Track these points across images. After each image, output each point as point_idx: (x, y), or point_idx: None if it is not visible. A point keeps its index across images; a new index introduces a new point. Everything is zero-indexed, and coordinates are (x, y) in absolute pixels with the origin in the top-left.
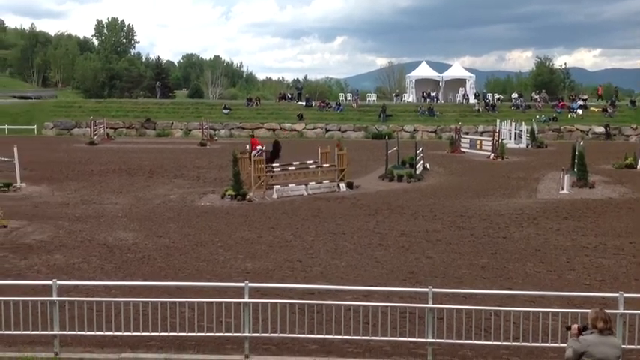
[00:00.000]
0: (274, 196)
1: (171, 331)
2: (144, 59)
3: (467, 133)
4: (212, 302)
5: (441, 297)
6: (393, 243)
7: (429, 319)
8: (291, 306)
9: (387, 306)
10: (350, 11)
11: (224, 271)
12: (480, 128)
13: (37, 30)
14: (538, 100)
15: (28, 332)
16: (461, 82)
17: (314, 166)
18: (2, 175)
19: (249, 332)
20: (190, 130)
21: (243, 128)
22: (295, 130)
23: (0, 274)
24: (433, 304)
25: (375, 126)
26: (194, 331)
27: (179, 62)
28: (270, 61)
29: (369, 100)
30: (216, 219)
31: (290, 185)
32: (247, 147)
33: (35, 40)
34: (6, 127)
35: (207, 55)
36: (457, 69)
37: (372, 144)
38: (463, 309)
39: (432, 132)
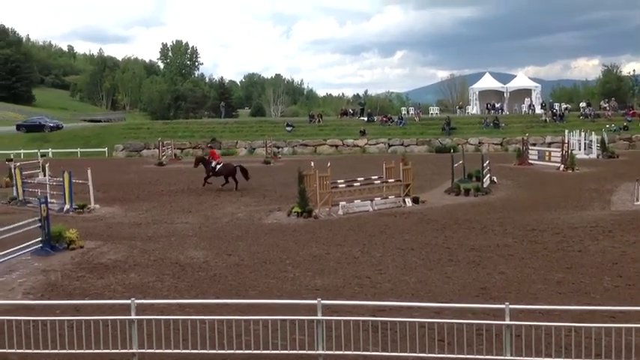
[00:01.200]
0: (340, 212)
1: (245, 349)
2: (207, 80)
3: (534, 145)
4: (285, 320)
5: (517, 313)
6: (463, 258)
7: (507, 337)
8: (363, 323)
9: (461, 323)
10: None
11: (294, 289)
12: (548, 139)
13: (105, 55)
14: (607, 108)
15: (108, 351)
16: (526, 92)
17: (379, 181)
18: (77, 196)
19: (323, 350)
20: (254, 149)
21: (307, 145)
22: (358, 146)
23: (78, 293)
24: (510, 320)
25: (439, 139)
26: (268, 349)
27: (241, 82)
28: (331, 77)
29: (431, 114)
30: (284, 236)
31: (355, 201)
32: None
33: (103, 64)
34: (78, 150)
35: (268, 74)
36: (522, 79)
37: (435, 158)
38: (542, 326)
39: (497, 144)
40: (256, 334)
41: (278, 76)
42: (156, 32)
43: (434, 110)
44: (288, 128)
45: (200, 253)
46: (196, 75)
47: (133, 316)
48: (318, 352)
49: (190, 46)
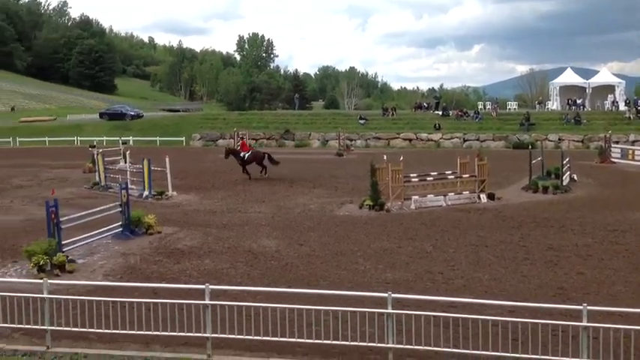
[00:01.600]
0: (412, 206)
1: (315, 339)
2: (282, 72)
3: (617, 142)
4: (355, 312)
5: (595, 315)
6: (539, 257)
7: (583, 339)
8: (434, 319)
9: (536, 323)
10: (488, 18)
11: (364, 281)
12: (632, 137)
13: (184, 46)
14: None
15: (183, 334)
16: (609, 88)
17: (453, 176)
18: (155, 183)
19: (392, 343)
20: (327, 141)
21: (379, 138)
22: (432, 140)
23: (155, 277)
24: (587, 322)
25: (516, 135)
26: (338, 340)
27: (315, 74)
28: (405, 70)
29: (509, 109)
30: (355, 228)
31: (429, 196)
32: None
33: (182, 56)
34: (157, 138)
35: (342, 67)
36: (605, 75)
37: (512, 154)
38: (621, 329)
39: (578, 141)
40: (326, 324)
41: (352, 69)
42: (233, 25)
43: (512, 105)
44: (362, 121)
45: (272, 242)
46: (271, 67)
47: (207, 301)
48: (387, 345)
49: (266, 38)
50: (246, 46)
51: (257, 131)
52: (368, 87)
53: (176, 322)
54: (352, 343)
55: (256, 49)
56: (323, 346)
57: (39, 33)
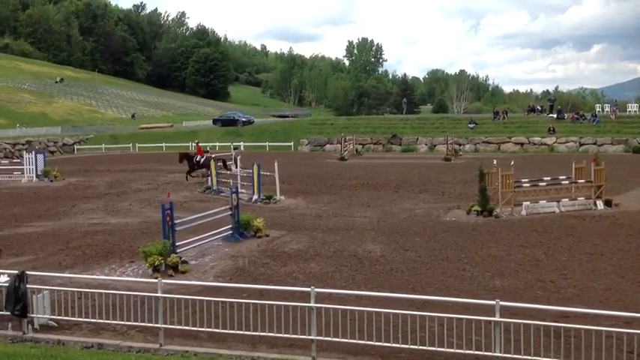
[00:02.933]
0: (523, 212)
1: (420, 345)
2: (390, 77)
3: None
4: (462, 319)
5: None
6: None
7: None
8: (545, 329)
9: None
10: (610, 17)
11: (472, 288)
12: None
13: (295, 53)
14: None
15: (288, 335)
16: None
17: (567, 181)
18: (264, 187)
19: (500, 352)
20: (435, 145)
21: (490, 143)
22: (545, 144)
23: (263, 279)
24: None
25: (637, 139)
26: (443, 347)
27: (424, 78)
28: (519, 72)
29: (629, 111)
30: (462, 234)
31: (540, 202)
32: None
33: (293, 62)
34: (267, 143)
35: (452, 70)
36: None
37: (633, 158)
38: None
39: None
40: (431, 330)
41: (462, 72)
42: (343, 30)
43: (632, 108)
44: (471, 125)
45: (377, 247)
46: (380, 72)
47: (312, 304)
48: (495, 354)
49: (375, 43)
50: (355, 51)
51: (364, 136)
52: (478, 90)
53: (282, 323)
54: (458, 351)
55: (365, 53)
56: (427, 352)
57: (158, 43)
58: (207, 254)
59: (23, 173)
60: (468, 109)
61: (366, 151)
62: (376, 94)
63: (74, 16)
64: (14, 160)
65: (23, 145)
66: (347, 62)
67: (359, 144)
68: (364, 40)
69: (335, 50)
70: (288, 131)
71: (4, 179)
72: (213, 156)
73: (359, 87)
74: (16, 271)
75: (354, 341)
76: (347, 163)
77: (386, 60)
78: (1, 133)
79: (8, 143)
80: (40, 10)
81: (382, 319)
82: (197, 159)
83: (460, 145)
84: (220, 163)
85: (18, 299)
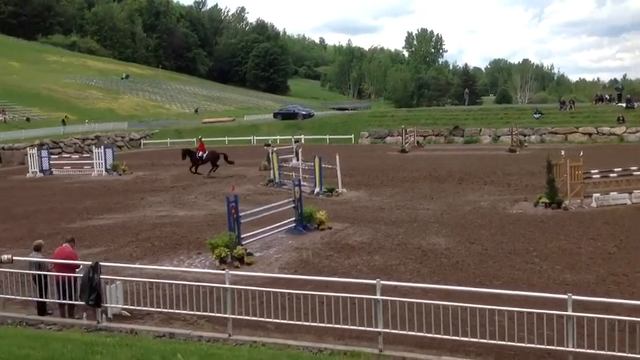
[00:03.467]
0: (593, 204)
1: (489, 339)
2: (451, 67)
3: None
4: (532, 313)
5: None
6: None
7: None
8: (619, 323)
9: None
10: None
11: (541, 282)
12: None
13: (353, 46)
14: None
15: (354, 327)
16: None
17: (639, 172)
18: (326, 180)
19: (573, 347)
20: (499, 137)
21: (556, 133)
22: (614, 134)
23: (327, 271)
24: None
25: None
26: (513, 341)
27: (486, 68)
28: (585, 61)
29: None
30: (530, 227)
31: (611, 193)
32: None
33: (351, 55)
34: (327, 136)
35: (515, 59)
36: None
37: None
38: None
39: None
40: (500, 324)
41: (526, 61)
42: (403, 21)
43: None
44: (536, 115)
45: (442, 239)
46: (440, 62)
47: (378, 296)
48: (567, 349)
49: (435, 33)
50: (415, 42)
51: (425, 128)
52: (543, 80)
53: (348, 315)
54: (528, 345)
55: (425, 44)
56: (496, 346)
57: (219, 38)
58: (272, 246)
59: (93, 167)
60: (532, 99)
61: (428, 143)
62: (436, 86)
63: (137, 13)
64: (84, 155)
65: (92, 140)
66: (406, 53)
67: (420, 136)
68: (424, 30)
69: (394, 42)
70: (348, 124)
71: (75, 173)
72: (218, 152)
73: (419, 78)
74: (90, 262)
75: (421, 334)
76: (408, 155)
77: (446, 50)
78: (71, 128)
79: (78, 138)
80: (104, 8)
81: (450, 312)
82: (199, 155)
83: (525, 135)
84: (222, 159)
85: (92, 289)
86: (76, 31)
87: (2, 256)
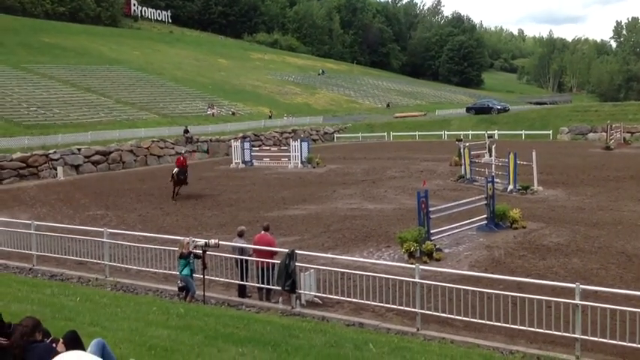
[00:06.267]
0: None
1: None
2: None
3: None
4: None
5: None
6: None
7: None
8: None
9: None
10: None
11: None
12: None
13: (555, 37)
14: None
15: (549, 332)
16: None
17: None
18: (520, 178)
19: None
20: None
21: None
22: None
23: (520, 272)
24: None
25: None
26: None
27: None
28: None
29: None
30: None
31: None
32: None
33: (552, 46)
34: (522, 132)
35: None
36: None
37: None
38: None
39: None
40: None
41: None
42: (611, 9)
43: None
44: None
45: None
46: None
47: (577, 301)
48: None
49: None
50: (624, 31)
51: (634, 124)
52: None
53: (543, 319)
54: None
55: (635, 34)
56: None
57: (414, 33)
58: (461, 243)
59: (290, 160)
60: None
61: (636, 140)
62: None
63: (336, 10)
64: (282, 148)
65: (289, 133)
66: (614, 44)
67: (627, 132)
68: (634, 19)
69: (600, 32)
70: (546, 119)
71: (273, 165)
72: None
73: (627, 70)
74: (287, 250)
75: (623, 343)
76: (613, 153)
77: None
78: (271, 122)
79: (277, 132)
80: (305, 6)
81: None
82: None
83: None
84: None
85: (288, 276)
86: (278, 29)
87: (210, 241)
